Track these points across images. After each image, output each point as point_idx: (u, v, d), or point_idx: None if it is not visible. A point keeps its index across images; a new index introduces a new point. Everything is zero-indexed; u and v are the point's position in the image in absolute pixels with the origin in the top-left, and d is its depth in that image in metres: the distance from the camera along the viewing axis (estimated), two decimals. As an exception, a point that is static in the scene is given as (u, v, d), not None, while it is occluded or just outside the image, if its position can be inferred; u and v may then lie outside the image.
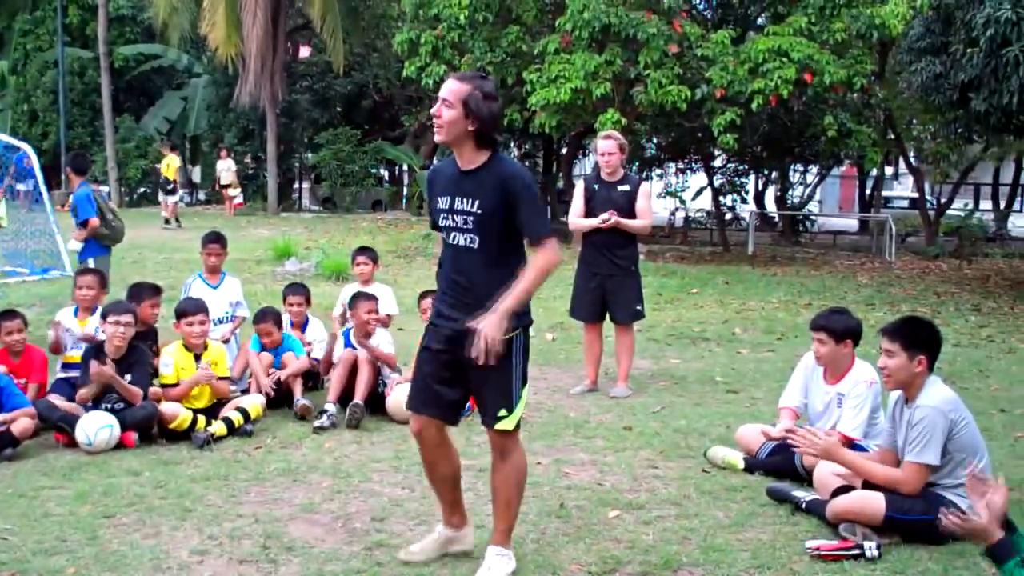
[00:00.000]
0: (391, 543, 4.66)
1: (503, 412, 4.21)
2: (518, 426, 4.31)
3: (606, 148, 7.91)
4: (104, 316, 6.75)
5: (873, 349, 5.30)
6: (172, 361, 6.88)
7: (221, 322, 7.96)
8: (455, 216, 4.20)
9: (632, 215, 7.86)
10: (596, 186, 8.00)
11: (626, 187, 7.95)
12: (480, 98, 4.08)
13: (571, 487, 5.58)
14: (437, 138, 4.23)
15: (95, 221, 9.58)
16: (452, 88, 4.12)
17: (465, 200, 4.17)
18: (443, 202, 4.24)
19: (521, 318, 4.18)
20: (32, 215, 16.14)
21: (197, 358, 6.92)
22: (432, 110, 4.20)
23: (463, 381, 4.29)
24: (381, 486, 5.56)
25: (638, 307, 8.12)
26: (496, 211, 4.12)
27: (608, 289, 7.97)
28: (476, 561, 4.38)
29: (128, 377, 6.58)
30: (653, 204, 8.69)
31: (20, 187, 17.22)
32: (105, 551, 4.53)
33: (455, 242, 4.23)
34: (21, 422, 6.23)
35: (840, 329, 5.69)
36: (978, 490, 3.77)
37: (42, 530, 4.81)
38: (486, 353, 3.96)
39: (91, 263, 9.59)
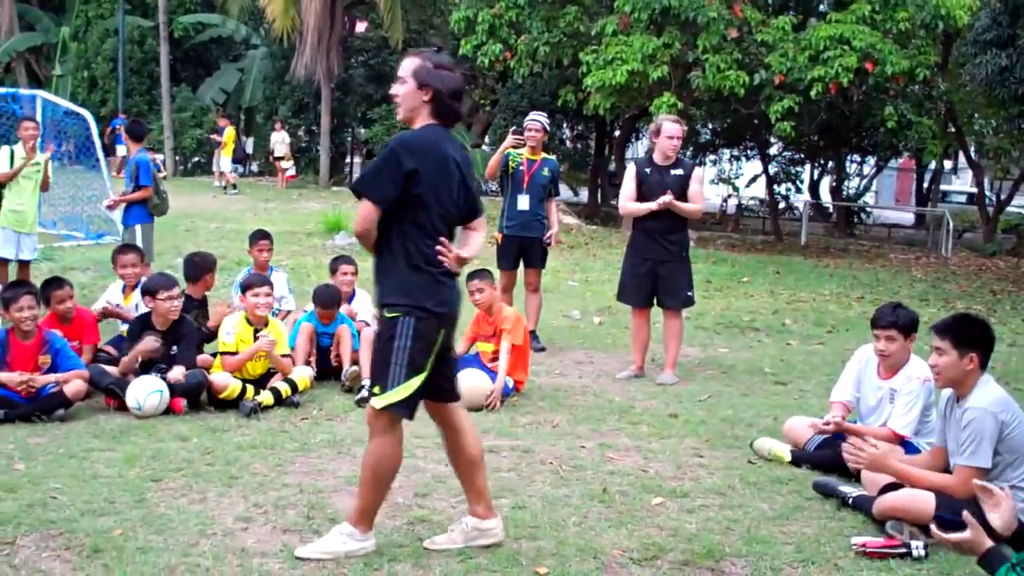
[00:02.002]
0: (433, 519, 4.67)
1: (376, 389, 4.09)
2: (390, 411, 4.10)
3: (675, 132, 7.83)
4: (152, 293, 6.81)
5: (925, 346, 5.22)
6: (234, 331, 6.96)
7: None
8: None
9: (684, 199, 7.79)
10: (648, 170, 7.92)
11: (679, 171, 7.88)
12: (431, 69, 4.12)
13: (614, 472, 5.55)
14: (398, 116, 4.25)
15: (149, 190, 9.69)
16: (404, 64, 4.18)
17: None
18: None
19: (409, 301, 4.09)
20: (88, 180, 16.35)
21: (256, 332, 6.98)
22: (390, 90, 4.20)
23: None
24: (424, 462, 5.57)
25: (688, 293, 8.06)
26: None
27: (659, 274, 7.91)
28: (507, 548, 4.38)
29: (175, 349, 6.68)
30: (706, 190, 8.61)
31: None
32: (152, 514, 4.59)
33: None
34: (74, 384, 6.33)
35: (908, 324, 5.61)
36: (987, 500, 3.74)
37: (91, 491, 4.88)
38: None
39: (138, 230, 9.73)
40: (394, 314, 4.09)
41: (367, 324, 7.79)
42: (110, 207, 10.34)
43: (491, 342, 7.35)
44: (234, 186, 24.82)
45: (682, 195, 7.77)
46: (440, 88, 4.13)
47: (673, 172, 7.84)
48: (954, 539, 3.62)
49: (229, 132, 25.96)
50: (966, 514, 3.51)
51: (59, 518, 4.49)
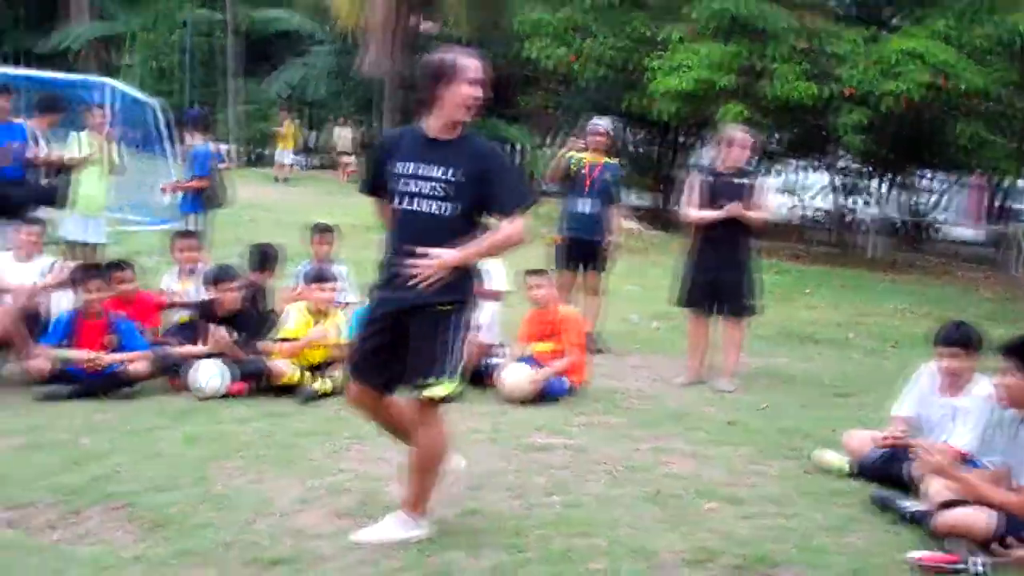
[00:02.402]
0: (485, 512, 4.69)
1: (431, 379, 4.08)
2: (444, 401, 4.15)
3: (743, 141, 7.81)
4: (215, 282, 6.93)
5: (991, 365, 5.14)
6: (295, 319, 7.05)
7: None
8: (419, 182, 4.13)
9: (749, 208, 7.73)
10: (712, 178, 7.88)
11: (744, 180, 7.83)
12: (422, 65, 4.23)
13: (669, 476, 5.52)
14: (467, 117, 4.19)
15: (205, 180, 9.90)
16: (479, 67, 4.16)
17: (436, 168, 4.12)
18: (404, 168, 4.15)
19: (465, 294, 4.18)
20: (154, 167, 16.63)
21: (317, 322, 7.06)
22: (476, 93, 4.15)
23: (404, 353, 4.18)
24: (479, 456, 5.58)
25: (751, 302, 8.00)
26: (471, 181, 4.12)
27: (721, 282, 7.85)
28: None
29: (235, 335, 6.79)
30: (772, 201, 8.56)
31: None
32: (211, 492, 4.68)
33: (416, 207, 4.13)
34: (138, 363, 6.45)
35: (972, 342, 5.54)
36: None
37: (153, 467, 4.98)
38: (424, 278, 4.03)
39: (191, 218, 9.93)
40: (449, 308, 4.13)
41: None
42: (164, 190, 10.49)
43: (549, 341, 7.36)
44: (285, 179, 25.21)
45: (748, 204, 7.71)
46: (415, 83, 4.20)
47: (737, 181, 7.79)
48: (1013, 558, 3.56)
49: (288, 126, 26.35)
50: None
51: (122, 492, 4.59)
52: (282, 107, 29.25)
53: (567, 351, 7.29)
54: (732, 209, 7.62)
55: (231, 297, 6.86)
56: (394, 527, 4.26)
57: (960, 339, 5.55)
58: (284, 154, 26.26)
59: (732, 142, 7.85)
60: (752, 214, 7.71)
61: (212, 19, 34.24)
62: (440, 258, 4.05)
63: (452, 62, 4.12)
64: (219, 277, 6.97)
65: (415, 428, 4.23)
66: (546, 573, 4.03)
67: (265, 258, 7.91)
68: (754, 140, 7.90)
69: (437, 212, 4.12)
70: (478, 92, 4.14)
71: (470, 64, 4.13)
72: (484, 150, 4.23)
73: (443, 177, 4.12)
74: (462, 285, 4.17)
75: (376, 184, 4.32)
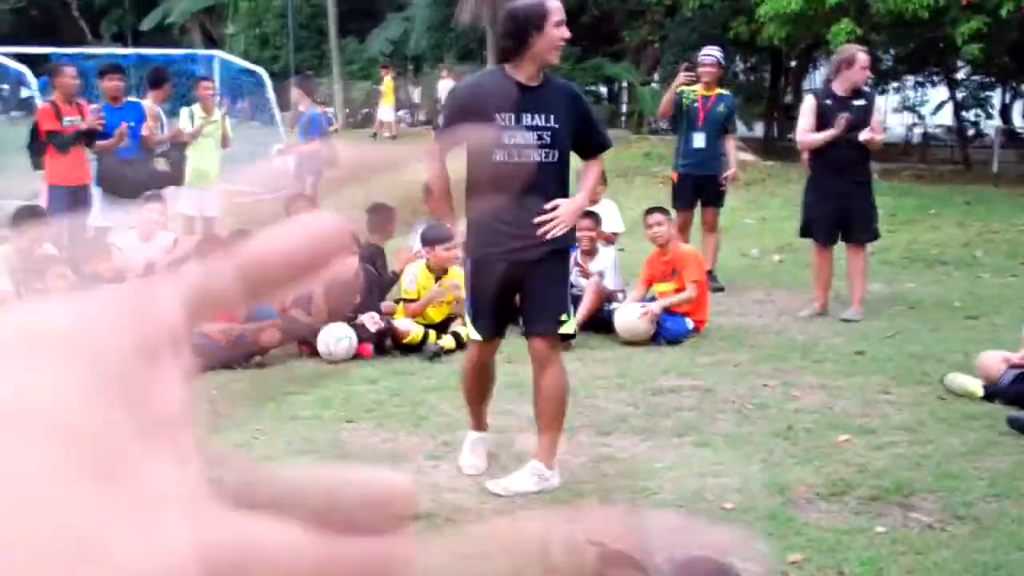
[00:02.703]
0: (616, 457, 4.74)
1: (564, 316, 4.32)
2: (564, 340, 4.44)
3: (868, 62, 7.60)
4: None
5: None
6: (416, 279, 7.18)
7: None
8: (525, 132, 4.14)
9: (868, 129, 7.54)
10: (828, 101, 7.69)
11: (862, 101, 7.62)
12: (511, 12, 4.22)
13: (799, 410, 5.49)
14: (555, 60, 4.27)
15: (319, 142, 10.07)
16: (560, 7, 4.21)
17: (537, 115, 4.16)
18: (504, 119, 4.13)
19: (572, 236, 4.50)
20: (265, 135, 16.96)
21: (437, 279, 7.18)
22: (566, 34, 4.21)
23: (516, 299, 4.40)
24: (605, 402, 5.64)
25: (875, 226, 7.83)
26: (567, 124, 4.21)
27: (845, 208, 7.67)
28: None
29: (359, 298, 6.94)
30: (890, 120, 8.34)
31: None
32: (347, 452, 4.83)
33: (521, 159, 4.10)
34: (269, 332, 6.66)
35: None
36: None
37: (290, 431, 5.16)
38: (556, 229, 4.16)
39: (308, 181, 10.10)
40: (562, 249, 4.37)
41: None
42: (282, 151, 10.64)
43: (670, 281, 7.34)
44: (394, 136, 25.47)
45: (866, 125, 7.51)
46: (503, 30, 4.30)
47: (855, 103, 7.58)
48: None
49: (388, 82, 26.60)
50: None
51: (262, 455, 4.76)
52: (382, 64, 29.51)
53: (687, 288, 7.26)
54: (843, 122, 7.40)
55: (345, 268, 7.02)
56: (528, 479, 4.36)
57: None
58: (386, 110, 26.58)
59: (852, 63, 7.62)
60: (878, 137, 7.52)
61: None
62: (567, 208, 4.20)
63: (541, 6, 4.15)
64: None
65: (542, 372, 4.35)
66: (681, 513, 4.06)
67: (377, 218, 8.03)
68: (868, 58, 7.67)
69: (543, 160, 4.18)
70: (566, 33, 4.21)
71: (555, 6, 4.17)
72: (573, 92, 4.38)
73: (545, 125, 4.17)
74: (571, 229, 4.36)
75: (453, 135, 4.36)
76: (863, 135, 7.40)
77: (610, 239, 8.34)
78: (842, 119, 7.40)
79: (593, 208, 7.98)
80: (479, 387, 4.66)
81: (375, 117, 26.92)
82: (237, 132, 10.78)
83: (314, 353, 6.72)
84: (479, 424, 4.72)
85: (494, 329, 4.46)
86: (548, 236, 4.14)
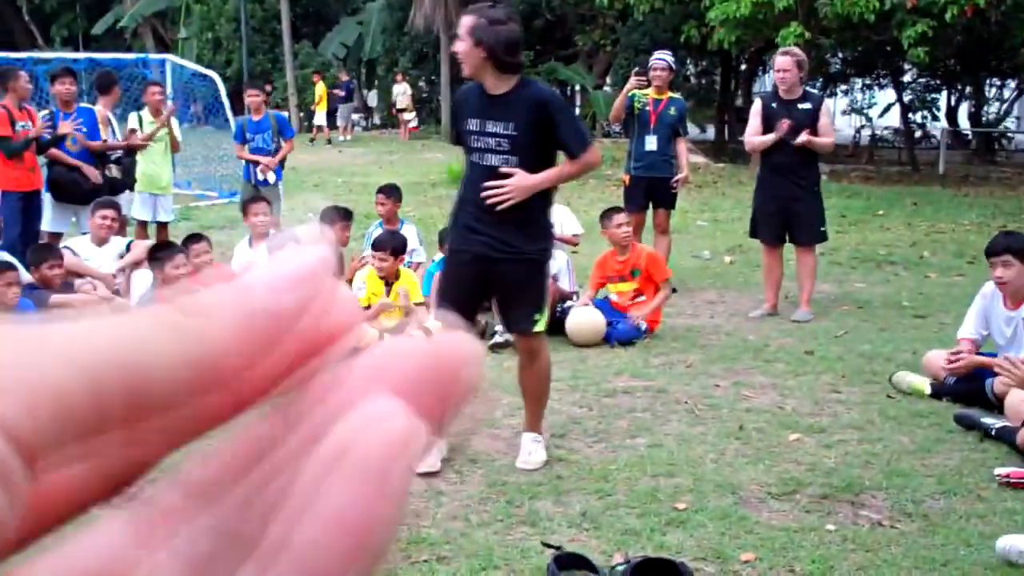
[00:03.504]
0: (570, 459, 4.75)
1: (537, 316, 4.51)
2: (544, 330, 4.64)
3: (781, 65, 7.70)
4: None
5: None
6: (365, 286, 7.14)
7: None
8: (486, 138, 4.39)
9: (814, 134, 7.62)
10: (774, 104, 7.78)
11: (807, 105, 7.71)
12: (485, 26, 4.26)
13: (750, 409, 5.54)
14: (464, 72, 4.42)
15: (293, 141, 10.11)
16: (462, 23, 4.39)
17: (497, 123, 4.36)
18: (473, 124, 4.42)
19: (549, 246, 4.67)
20: (218, 140, 16.84)
21: (388, 285, 7.15)
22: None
23: (486, 296, 4.85)
24: (560, 404, 5.65)
25: (821, 228, 7.92)
26: (529, 132, 4.35)
27: (790, 211, 7.78)
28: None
29: None
30: (838, 122, 8.43)
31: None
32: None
33: (487, 163, 4.40)
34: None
35: (1022, 249, 5.46)
36: None
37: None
38: (502, 197, 4.34)
39: (281, 185, 10.06)
40: (544, 252, 4.58)
41: None
42: (263, 170, 10.43)
43: (629, 281, 7.39)
44: (328, 141, 25.68)
45: (811, 129, 7.60)
46: (493, 44, 4.27)
47: (800, 106, 7.68)
48: None
49: (320, 88, 26.67)
50: None
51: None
52: (315, 71, 29.64)
53: (661, 288, 7.36)
54: (782, 128, 7.52)
55: None
56: (537, 448, 4.66)
57: (1007, 246, 5.52)
58: (319, 116, 26.80)
59: (775, 64, 7.80)
60: (817, 140, 7.60)
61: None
62: (518, 182, 4.33)
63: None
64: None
65: (528, 361, 4.67)
66: (633, 515, 4.08)
67: (328, 220, 8.01)
68: (797, 58, 7.73)
69: (504, 165, 4.37)
70: (455, 47, 4.41)
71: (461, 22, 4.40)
72: (539, 100, 4.40)
73: (504, 132, 4.35)
74: (544, 234, 4.58)
75: (458, 137, 4.62)
76: (799, 139, 7.50)
77: (572, 242, 8.38)
78: (781, 124, 7.51)
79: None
80: None
81: (316, 123, 27.11)
82: (191, 137, 10.67)
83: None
84: None
85: (459, 316, 4.52)
86: (489, 203, 4.32)
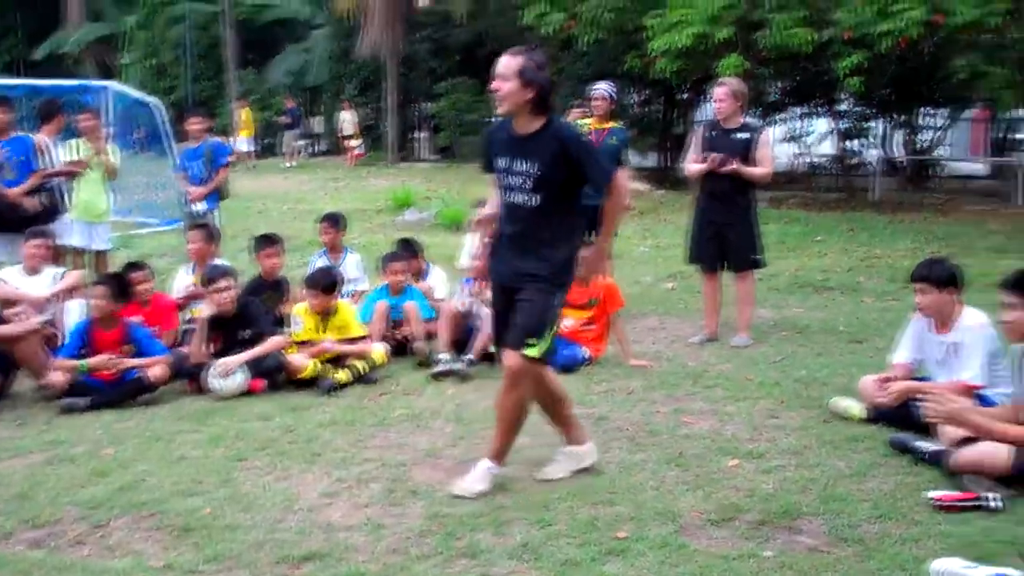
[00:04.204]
0: (511, 488, 4.75)
1: (532, 339, 4.57)
2: (537, 363, 4.65)
3: (718, 95, 7.83)
4: (207, 284, 6.97)
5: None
6: (303, 321, 7.10)
7: (342, 298, 8.07)
8: (513, 176, 4.62)
9: (749, 162, 7.73)
10: (714, 133, 7.90)
11: (744, 134, 7.83)
12: (534, 68, 4.53)
13: (690, 436, 5.58)
14: (500, 110, 4.58)
15: (227, 169, 10.04)
16: (507, 63, 4.53)
17: (524, 162, 4.58)
18: (502, 163, 4.67)
19: (565, 279, 4.74)
20: (160, 167, 16.67)
21: (324, 319, 7.09)
22: (491, 85, 4.55)
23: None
24: (501, 433, 5.65)
25: (756, 256, 8.01)
26: (555, 171, 4.56)
27: (725, 237, 7.89)
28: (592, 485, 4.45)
29: (249, 332, 6.81)
30: (777, 150, 8.56)
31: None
32: (238, 492, 4.74)
33: (513, 200, 4.66)
34: (156, 368, 6.52)
35: (940, 277, 5.59)
36: None
37: (179, 472, 5.05)
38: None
39: (216, 214, 9.99)
40: (556, 281, 4.69)
41: (443, 300, 7.92)
42: (192, 201, 10.32)
43: (586, 311, 7.43)
44: (254, 166, 25.72)
45: (747, 157, 7.72)
46: (542, 87, 4.53)
47: (739, 135, 7.80)
48: None
49: (245, 114, 26.56)
50: None
51: (149, 499, 4.66)
52: (238, 96, 29.57)
53: (612, 320, 7.46)
54: (713, 158, 7.64)
55: (224, 299, 6.85)
56: (482, 476, 4.73)
57: (927, 274, 5.64)
58: (243, 142, 26.67)
59: (715, 96, 7.93)
60: (749, 169, 7.70)
61: (209, 11, 34.18)
62: (592, 258, 5.14)
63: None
64: (209, 278, 7.00)
65: (506, 387, 4.72)
66: (574, 544, 4.09)
67: (257, 246, 8.00)
68: (733, 88, 7.85)
69: (527, 203, 4.62)
70: (493, 85, 4.56)
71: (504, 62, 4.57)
72: (562, 138, 4.59)
73: (528, 171, 4.58)
74: (562, 265, 4.74)
75: (490, 167, 4.84)
76: (727, 166, 7.63)
77: None
78: (713, 158, 7.64)
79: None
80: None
81: (236, 148, 26.98)
82: (132, 164, 10.54)
83: (205, 390, 6.59)
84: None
85: (498, 343, 4.95)
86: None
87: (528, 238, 4.67)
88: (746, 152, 7.72)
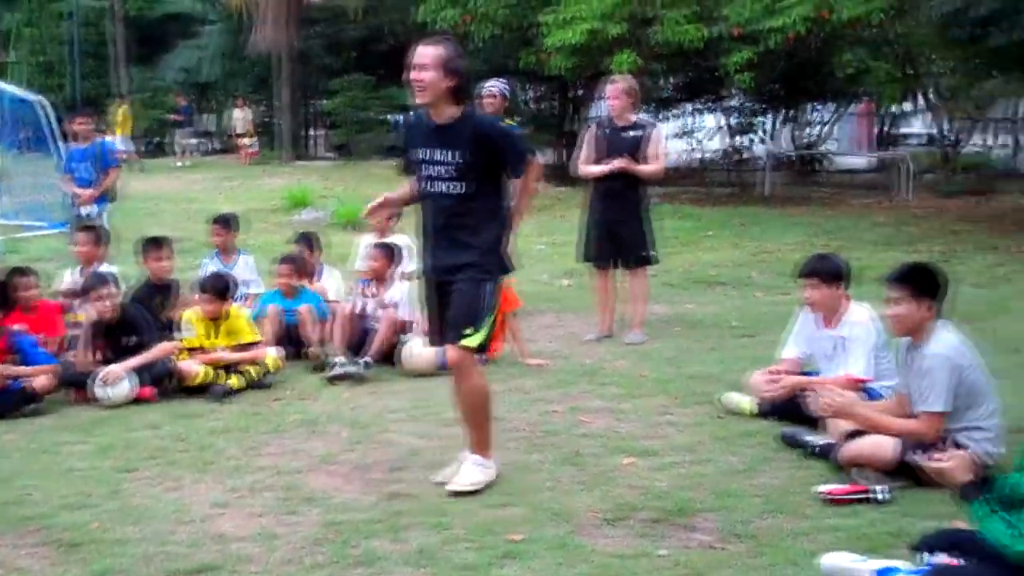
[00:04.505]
0: (409, 492, 4.72)
1: (469, 330, 4.62)
2: (479, 350, 4.77)
3: (610, 92, 7.91)
4: (86, 293, 6.78)
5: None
6: (193, 327, 6.94)
7: (235, 301, 7.92)
8: (435, 167, 4.67)
9: (640, 160, 7.81)
10: (607, 131, 7.96)
11: (636, 132, 7.90)
12: (455, 57, 4.60)
13: (586, 435, 5.62)
14: (420, 100, 4.59)
15: (119, 170, 9.79)
16: (427, 52, 4.56)
17: (445, 151, 4.63)
18: (422, 154, 4.71)
19: (497, 265, 4.78)
20: (47, 168, 16.17)
21: (216, 324, 6.95)
22: (411, 75, 4.56)
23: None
24: (398, 436, 5.63)
25: (647, 252, 8.10)
26: (477, 158, 4.62)
27: (617, 234, 7.97)
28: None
29: (134, 339, 6.64)
30: (669, 145, 8.68)
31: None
32: (128, 505, 4.63)
33: (436, 190, 4.70)
34: (41, 378, 6.32)
35: (829, 272, 5.73)
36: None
37: (66, 485, 4.91)
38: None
39: (104, 216, 9.74)
40: (489, 269, 4.73)
41: (338, 301, 7.84)
42: (83, 203, 9.98)
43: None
44: (126, 160, 25.14)
45: (637, 155, 7.79)
46: (462, 75, 4.62)
47: (630, 133, 7.88)
48: (936, 466, 3.63)
49: (122, 111, 25.85)
50: (950, 448, 3.44)
51: (35, 514, 4.52)
52: (118, 94, 28.87)
53: (507, 319, 7.38)
54: (615, 165, 7.72)
55: (105, 307, 6.67)
56: (476, 471, 4.73)
57: (813, 270, 5.76)
58: (119, 140, 25.97)
59: (607, 93, 8.00)
60: (639, 167, 7.78)
61: (97, 7, 33.25)
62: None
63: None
64: (89, 288, 6.79)
65: (458, 381, 4.81)
66: (471, 549, 4.08)
67: (142, 247, 7.80)
68: (625, 86, 7.93)
69: (451, 191, 4.66)
70: (412, 75, 4.58)
71: (414, 51, 4.61)
72: (483, 128, 4.72)
73: (451, 160, 4.63)
74: (493, 255, 4.78)
75: (409, 166, 4.93)
76: (615, 163, 7.71)
77: (408, 276, 8.36)
78: (608, 162, 7.71)
79: (389, 241, 8.00)
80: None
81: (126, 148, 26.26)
82: (18, 165, 10.20)
83: (92, 399, 6.41)
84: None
85: (437, 341, 4.88)
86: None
87: (454, 228, 4.70)
88: (637, 150, 7.80)
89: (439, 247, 4.76)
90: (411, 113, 4.89)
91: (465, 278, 4.67)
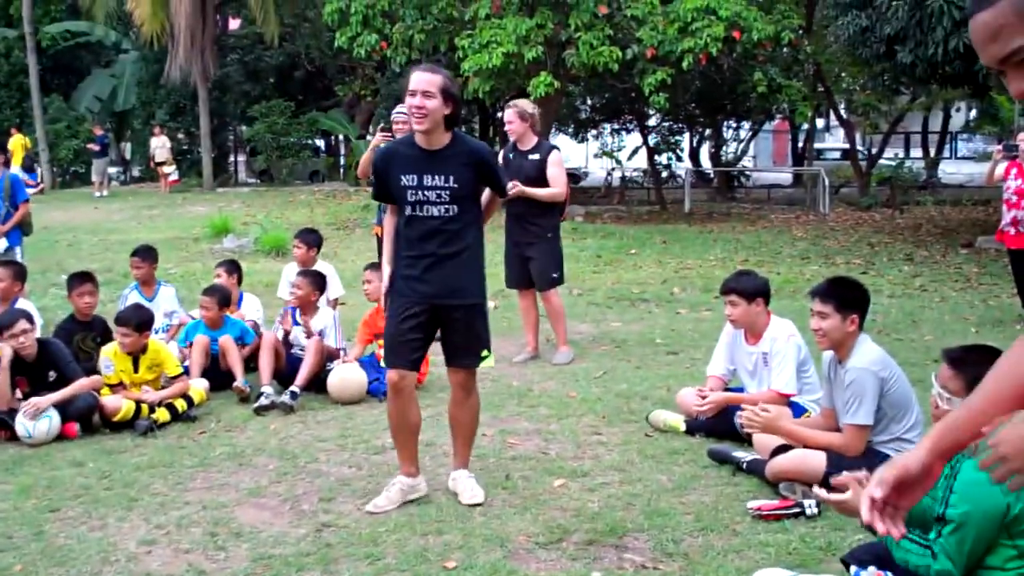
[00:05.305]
0: (339, 523, 4.68)
1: (485, 352, 4.95)
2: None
3: (507, 118, 7.97)
4: (2, 331, 6.58)
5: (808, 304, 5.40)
6: (113, 363, 6.78)
7: (157, 332, 7.77)
8: (426, 191, 4.73)
9: (542, 183, 7.86)
10: (512, 155, 8.02)
11: (536, 156, 7.95)
12: (452, 84, 4.70)
13: (516, 457, 5.64)
14: (420, 127, 4.64)
15: (29, 204, 9.52)
16: (429, 80, 4.63)
17: (438, 176, 4.72)
18: (411, 179, 4.74)
19: (485, 285, 4.99)
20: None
21: (136, 360, 6.81)
22: (412, 103, 4.60)
23: (431, 339, 4.99)
24: (328, 466, 5.58)
25: (555, 275, 8.12)
26: (470, 182, 4.79)
27: (525, 257, 8.04)
28: (433, 510, 4.44)
29: (52, 375, 6.48)
30: (590, 165, 8.75)
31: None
32: (52, 546, 4.51)
33: (428, 214, 4.75)
34: (-42, 418, 6.15)
35: (749, 289, 5.83)
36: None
37: (-15, 528, 4.77)
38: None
39: (18, 251, 9.50)
40: (483, 293, 4.97)
41: (258, 324, 7.79)
42: None
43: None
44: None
45: (539, 178, 7.82)
46: (458, 102, 4.75)
47: (531, 157, 7.93)
48: (835, 500, 3.70)
49: (15, 141, 25.36)
50: (845, 475, 3.48)
51: (-47, 560, 4.39)
52: (11, 125, 28.42)
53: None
54: (512, 191, 7.74)
55: (21, 344, 6.48)
56: (475, 486, 4.97)
57: (736, 287, 5.89)
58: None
59: (505, 119, 8.07)
60: (536, 191, 7.81)
61: (10, 37, 32.62)
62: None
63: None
64: (6, 324, 6.60)
65: (464, 397, 5.03)
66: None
67: (68, 284, 7.67)
68: (520, 110, 7.97)
69: (443, 215, 4.76)
70: (412, 102, 4.63)
71: (411, 78, 4.68)
72: (475, 151, 4.86)
73: (444, 185, 4.73)
74: (482, 276, 4.97)
75: (385, 194, 4.97)
76: (509, 189, 7.72)
77: (334, 304, 8.34)
78: (512, 187, 7.74)
79: (318, 268, 7.98)
80: (398, 423, 4.99)
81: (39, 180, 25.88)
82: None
83: (13, 437, 6.25)
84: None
85: (403, 357, 4.87)
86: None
87: (446, 250, 4.78)
88: (540, 173, 7.85)
89: (432, 272, 4.79)
90: (390, 142, 5.07)
91: (467, 305, 4.86)
